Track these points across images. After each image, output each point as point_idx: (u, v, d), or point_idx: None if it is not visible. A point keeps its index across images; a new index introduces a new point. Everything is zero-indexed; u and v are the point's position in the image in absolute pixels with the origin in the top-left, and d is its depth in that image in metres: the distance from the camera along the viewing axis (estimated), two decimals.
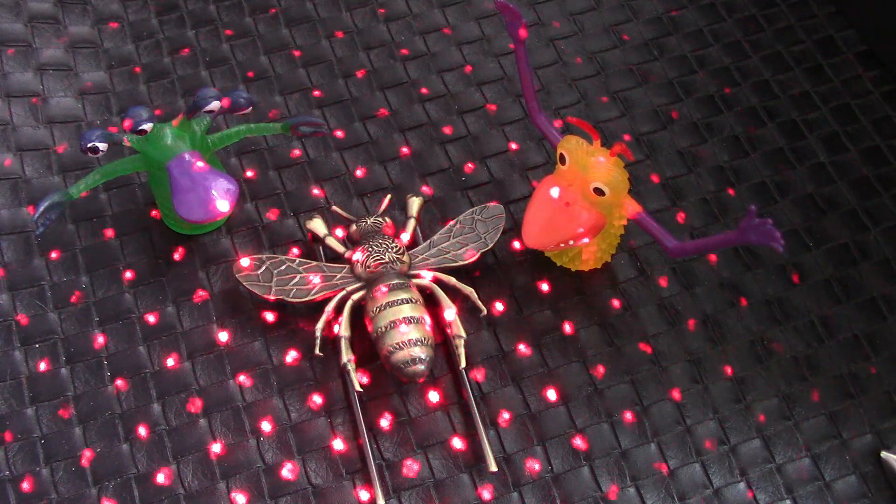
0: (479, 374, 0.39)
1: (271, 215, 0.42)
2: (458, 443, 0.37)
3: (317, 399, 0.38)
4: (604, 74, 0.47)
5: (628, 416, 0.38)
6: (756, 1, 0.50)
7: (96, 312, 0.40)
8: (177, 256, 0.41)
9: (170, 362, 0.39)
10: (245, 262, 0.39)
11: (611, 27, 0.49)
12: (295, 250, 0.42)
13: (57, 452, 0.37)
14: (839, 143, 0.46)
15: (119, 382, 0.38)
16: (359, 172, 0.44)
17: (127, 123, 0.37)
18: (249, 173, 0.43)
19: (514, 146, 0.44)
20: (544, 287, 0.41)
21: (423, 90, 0.46)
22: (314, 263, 0.40)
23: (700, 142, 0.45)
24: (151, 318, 0.40)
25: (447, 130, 0.45)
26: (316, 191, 0.43)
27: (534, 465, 0.37)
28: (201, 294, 0.40)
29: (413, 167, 0.44)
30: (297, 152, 0.44)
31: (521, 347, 0.40)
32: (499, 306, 0.40)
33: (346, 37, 0.48)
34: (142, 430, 0.37)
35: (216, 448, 0.37)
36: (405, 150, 0.44)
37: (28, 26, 0.47)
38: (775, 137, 0.46)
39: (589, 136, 0.37)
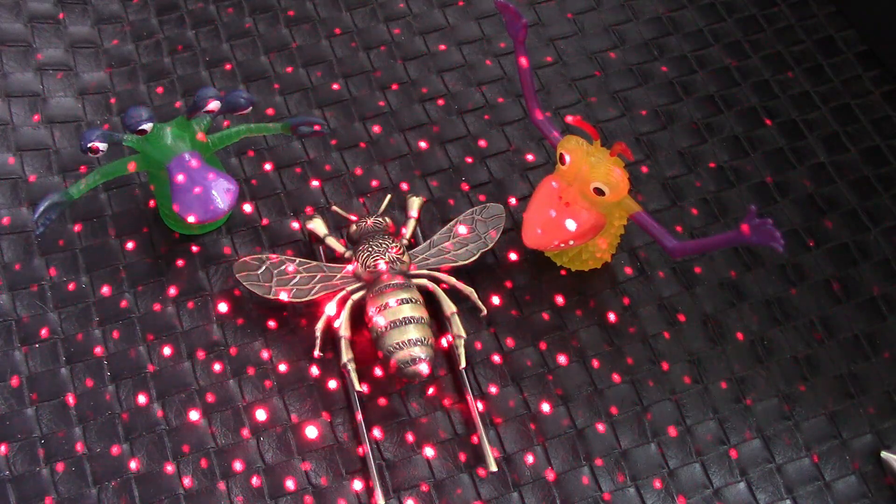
0: (479, 381, 0.39)
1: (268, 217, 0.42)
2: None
3: (317, 399, 0.38)
4: (604, 74, 0.47)
5: (629, 417, 0.38)
6: (756, 1, 0.50)
7: (96, 312, 0.40)
8: (177, 256, 0.41)
9: (171, 363, 0.39)
10: (243, 259, 0.39)
11: (611, 27, 0.49)
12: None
13: (57, 452, 0.37)
14: (839, 143, 0.46)
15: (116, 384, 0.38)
16: (359, 172, 0.44)
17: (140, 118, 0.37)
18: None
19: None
20: (544, 287, 0.41)
21: (423, 90, 0.46)
22: (314, 263, 0.40)
23: (700, 142, 0.45)
24: (152, 318, 0.40)
25: (447, 130, 0.45)
26: (315, 182, 0.43)
27: (534, 465, 0.37)
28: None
29: (413, 167, 0.44)
30: (297, 162, 0.44)
31: (521, 347, 0.40)
32: (498, 305, 0.40)
33: (346, 37, 0.48)
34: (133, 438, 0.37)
35: (215, 448, 0.37)
36: (406, 148, 0.45)
37: (28, 26, 0.47)
38: (775, 137, 0.46)
39: (589, 136, 0.37)
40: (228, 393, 0.38)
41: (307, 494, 0.36)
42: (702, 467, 0.38)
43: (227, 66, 0.47)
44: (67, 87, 0.45)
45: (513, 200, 0.43)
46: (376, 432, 0.38)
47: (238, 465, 0.37)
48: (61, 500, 0.36)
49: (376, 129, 0.45)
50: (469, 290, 0.39)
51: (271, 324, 0.40)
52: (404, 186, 0.44)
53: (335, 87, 0.46)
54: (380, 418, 0.38)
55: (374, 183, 0.44)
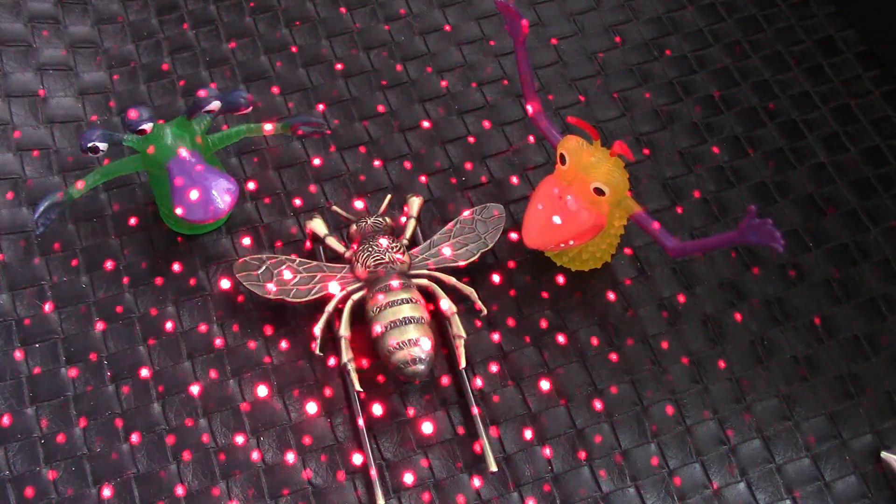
0: (478, 381, 0.39)
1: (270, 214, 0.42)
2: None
3: (317, 399, 0.38)
4: (604, 74, 0.47)
5: (628, 416, 0.38)
6: (756, 1, 0.50)
7: (96, 312, 0.40)
8: (177, 256, 0.41)
9: (170, 363, 0.39)
10: (243, 259, 0.39)
11: (611, 27, 0.49)
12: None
13: (57, 453, 0.37)
14: (839, 143, 0.46)
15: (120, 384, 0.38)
16: (359, 173, 0.44)
17: (133, 114, 0.37)
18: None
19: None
20: (544, 287, 0.41)
21: (423, 90, 0.46)
22: (314, 263, 0.40)
23: (700, 142, 0.45)
24: (151, 318, 0.40)
25: (449, 132, 0.45)
26: (309, 179, 0.43)
27: (534, 465, 0.37)
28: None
29: (413, 167, 0.44)
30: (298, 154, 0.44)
31: (521, 347, 0.40)
32: (498, 306, 0.40)
33: (346, 37, 0.48)
34: (134, 437, 0.37)
35: (215, 447, 0.37)
36: (406, 148, 0.45)
37: (28, 26, 0.47)
38: (775, 137, 0.46)
39: (589, 136, 0.37)
40: (228, 393, 0.38)
41: (307, 495, 0.36)
42: (702, 467, 0.38)
43: (227, 67, 0.47)
44: (67, 87, 0.45)
45: (509, 208, 0.43)
46: (376, 433, 0.38)
47: (238, 466, 0.37)
48: (61, 500, 0.36)
49: (376, 129, 0.45)
50: (469, 290, 0.39)
51: (271, 324, 0.40)
52: (404, 186, 0.44)
53: (335, 87, 0.46)
54: (380, 418, 0.38)
55: (374, 183, 0.44)
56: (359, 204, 0.43)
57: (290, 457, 0.37)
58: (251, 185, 0.43)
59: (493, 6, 0.49)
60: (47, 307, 0.39)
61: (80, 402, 0.38)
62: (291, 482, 0.37)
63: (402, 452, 0.37)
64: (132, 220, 0.42)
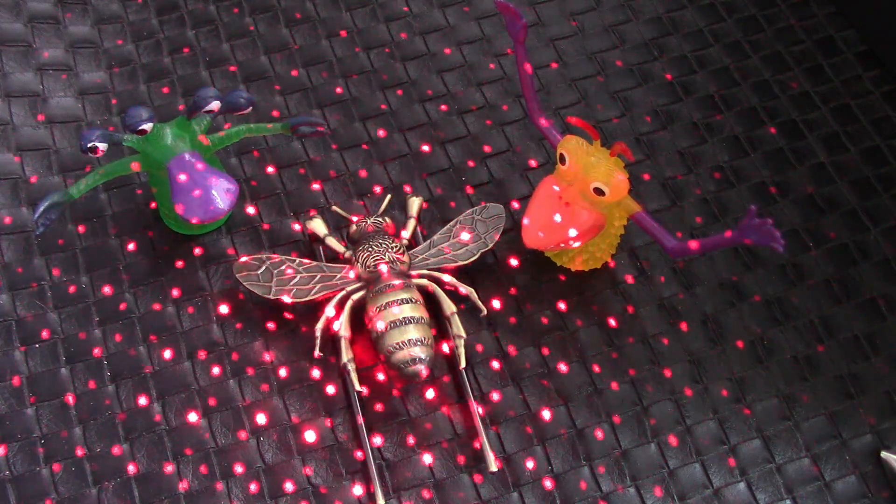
0: (478, 381, 0.39)
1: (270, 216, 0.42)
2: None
3: (317, 399, 0.38)
4: (604, 74, 0.47)
5: (629, 416, 0.38)
6: (756, 1, 0.50)
7: (96, 312, 0.40)
8: (177, 256, 0.41)
9: (171, 363, 0.39)
10: (243, 259, 0.39)
11: (611, 27, 0.49)
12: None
13: (57, 452, 0.37)
14: (839, 143, 0.46)
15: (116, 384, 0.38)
16: (360, 173, 0.44)
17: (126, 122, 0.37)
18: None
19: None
20: (544, 287, 0.41)
21: (425, 90, 0.46)
22: (314, 263, 0.40)
23: (700, 142, 0.45)
24: (152, 318, 0.40)
25: (447, 130, 0.45)
26: (315, 186, 0.43)
27: (534, 465, 0.37)
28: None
29: (413, 167, 0.44)
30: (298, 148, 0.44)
31: (521, 347, 0.40)
32: (498, 306, 0.40)
33: (346, 37, 0.48)
34: (133, 437, 0.37)
35: (215, 448, 0.37)
36: (406, 148, 0.45)
37: (28, 26, 0.47)
38: (775, 137, 0.46)
39: (589, 136, 0.37)
40: (228, 393, 0.38)
41: (307, 495, 0.36)
42: (702, 467, 0.38)
43: (228, 67, 0.47)
44: (67, 87, 0.45)
45: (509, 208, 0.43)
46: (376, 433, 0.38)
47: (238, 466, 0.37)
48: (61, 500, 0.36)
49: (376, 129, 0.45)
50: (469, 290, 0.39)
51: (271, 324, 0.40)
52: (406, 188, 0.44)
53: (336, 87, 0.46)
54: (380, 418, 0.38)
55: (374, 183, 0.44)
56: (357, 209, 0.43)
57: (291, 457, 0.37)
58: (251, 186, 0.43)
59: (493, 6, 0.49)
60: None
61: (80, 403, 0.38)
62: (292, 482, 0.37)
63: (402, 452, 0.37)
64: (132, 221, 0.42)
